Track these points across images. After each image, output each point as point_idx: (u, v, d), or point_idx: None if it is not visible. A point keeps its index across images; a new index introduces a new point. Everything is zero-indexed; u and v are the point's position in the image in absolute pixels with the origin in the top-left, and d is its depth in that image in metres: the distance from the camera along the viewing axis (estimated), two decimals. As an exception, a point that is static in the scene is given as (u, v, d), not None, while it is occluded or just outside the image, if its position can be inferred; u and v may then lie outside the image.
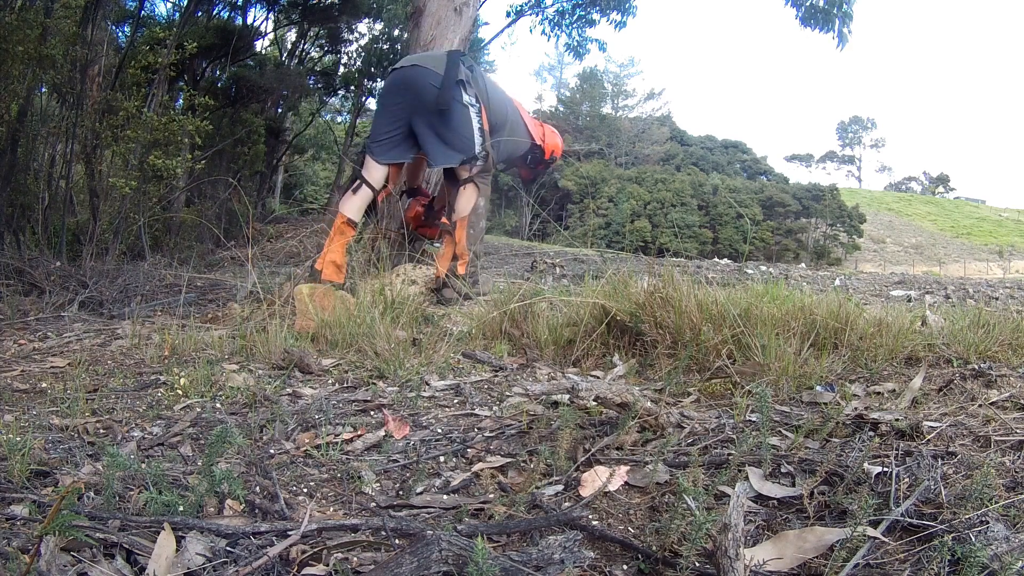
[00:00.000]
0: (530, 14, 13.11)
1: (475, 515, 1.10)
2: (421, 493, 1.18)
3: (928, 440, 1.25)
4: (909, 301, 4.04)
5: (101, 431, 1.46)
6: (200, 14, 10.20)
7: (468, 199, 3.32)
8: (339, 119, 19.51)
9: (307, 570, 0.88)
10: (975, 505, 0.97)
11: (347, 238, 3.07)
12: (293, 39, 14.19)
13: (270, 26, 13.22)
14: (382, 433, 1.46)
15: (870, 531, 0.93)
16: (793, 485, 1.13)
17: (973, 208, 59.83)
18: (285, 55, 13.83)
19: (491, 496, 1.17)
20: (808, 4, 9.55)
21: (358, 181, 3.12)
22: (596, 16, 12.73)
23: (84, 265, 3.74)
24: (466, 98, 3.09)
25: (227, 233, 7.66)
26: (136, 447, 1.37)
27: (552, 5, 13.14)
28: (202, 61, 10.23)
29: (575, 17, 13.03)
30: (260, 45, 13.52)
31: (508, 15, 13.37)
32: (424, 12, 4.92)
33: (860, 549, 0.88)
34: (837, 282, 6.28)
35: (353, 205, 3.09)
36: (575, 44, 13.43)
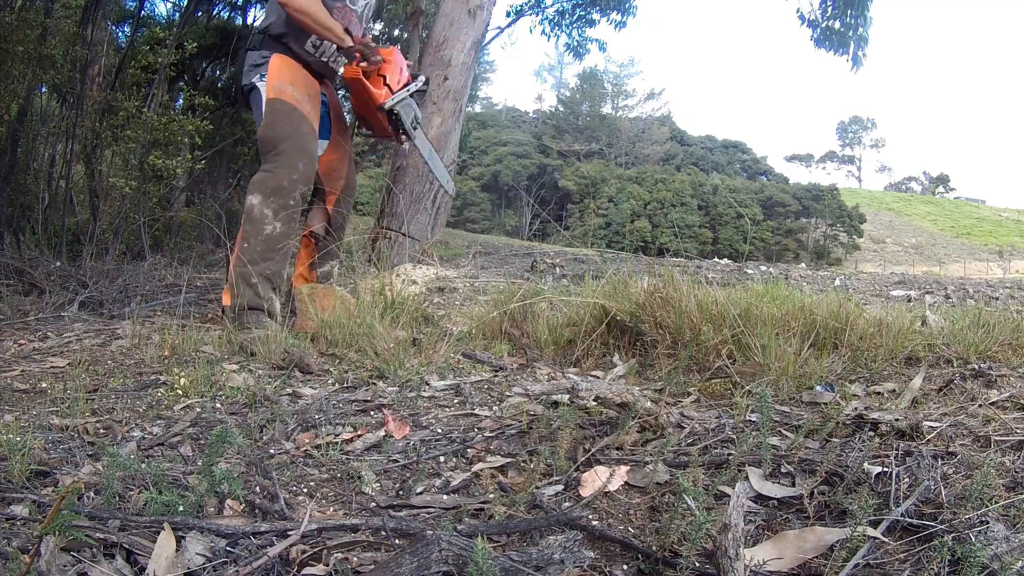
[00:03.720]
0: (530, 14, 13.10)
1: (475, 515, 1.10)
2: (421, 493, 1.18)
3: (928, 440, 1.25)
4: (909, 301, 4.04)
5: (101, 431, 1.46)
6: (200, 14, 10.19)
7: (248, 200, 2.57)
8: (339, 119, 19.46)
9: (307, 570, 0.88)
10: (975, 505, 0.97)
11: (309, 250, 2.97)
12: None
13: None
14: (382, 433, 1.46)
15: (870, 531, 0.93)
16: (793, 485, 1.13)
17: (973, 208, 59.82)
18: (285, 55, 13.80)
19: (491, 496, 1.17)
20: (824, 26, 9.49)
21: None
22: (596, 16, 12.73)
23: (84, 265, 3.74)
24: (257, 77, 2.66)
25: (227, 233, 7.64)
26: (136, 447, 1.37)
27: (552, 5, 13.13)
28: (202, 61, 10.22)
29: (575, 17, 13.02)
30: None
31: (508, 15, 13.37)
32: (438, 13, 4.91)
33: (860, 549, 0.88)
34: (837, 282, 6.28)
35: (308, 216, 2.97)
36: (575, 44, 13.43)
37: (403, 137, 2.92)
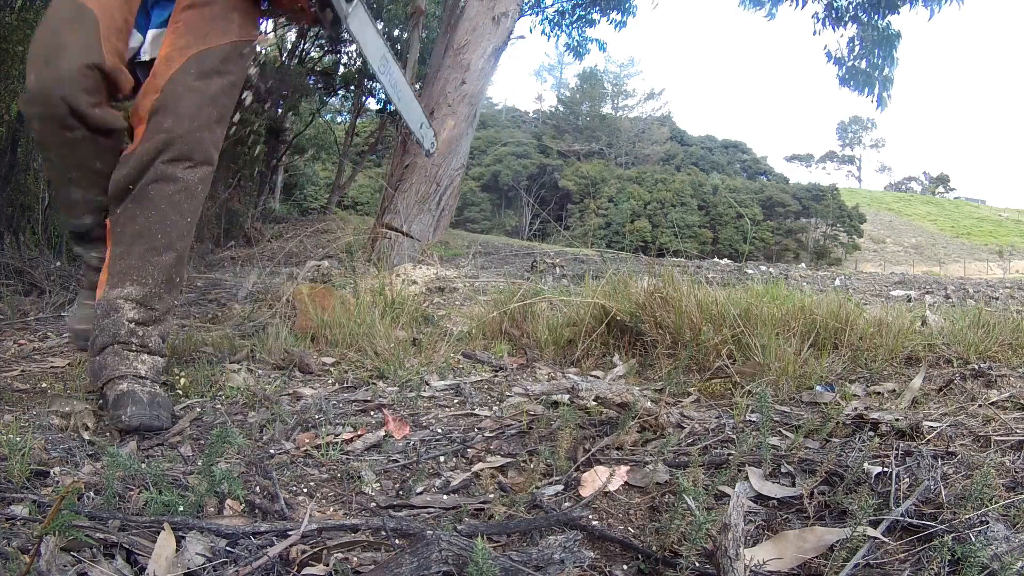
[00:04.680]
0: (530, 14, 13.09)
1: (475, 515, 1.10)
2: (421, 493, 1.18)
3: (928, 440, 1.25)
4: (909, 301, 4.04)
5: (101, 431, 1.46)
6: (200, 14, 10.18)
7: None
8: (339, 119, 19.48)
9: (307, 570, 0.88)
10: (975, 505, 0.97)
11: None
12: (293, 39, 14.19)
13: (270, 26, 13.21)
14: (382, 433, 1.46)
15: (870, 531, 0.93)
16: (793, 485, 1.13)
17: (973, 208, 59.81)
18: (285, 55, 13.82)
19: (491, 496, 1.17)
20: (850, 65, 9.41)
21: None
22: (596, 16, 12.73)
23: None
24: None
25: (227, 233, 7.66)
26: (136, 447, 1.37)
27: (552, 5, 13.13)
28: (202, 61, 10.20)
29: (575, 17, 13.02)
30: (260, 45, 13.49)
31: (508, 15, 13.35)
32: (462, 16, 4.93)
33: (860, 549, 0.88)
34: (837, 282, 6.28)
35: None
36: (575, 44, 13.43)
37: (328, 15, 1.72)
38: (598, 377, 1.89)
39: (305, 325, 2.44)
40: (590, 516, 1.06)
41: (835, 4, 9.16)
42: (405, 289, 2.92)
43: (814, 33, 9.53)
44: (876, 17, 8.82)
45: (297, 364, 1.98)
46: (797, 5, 9.35)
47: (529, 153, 44.98)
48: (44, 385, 1.81)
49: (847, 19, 9.15)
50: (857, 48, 9.28)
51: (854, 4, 9.00)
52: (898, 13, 8.60)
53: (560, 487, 1.19)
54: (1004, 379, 1.59)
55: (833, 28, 9.40)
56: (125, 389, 1.47)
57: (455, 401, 1.73)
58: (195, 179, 1.56)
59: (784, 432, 1.39)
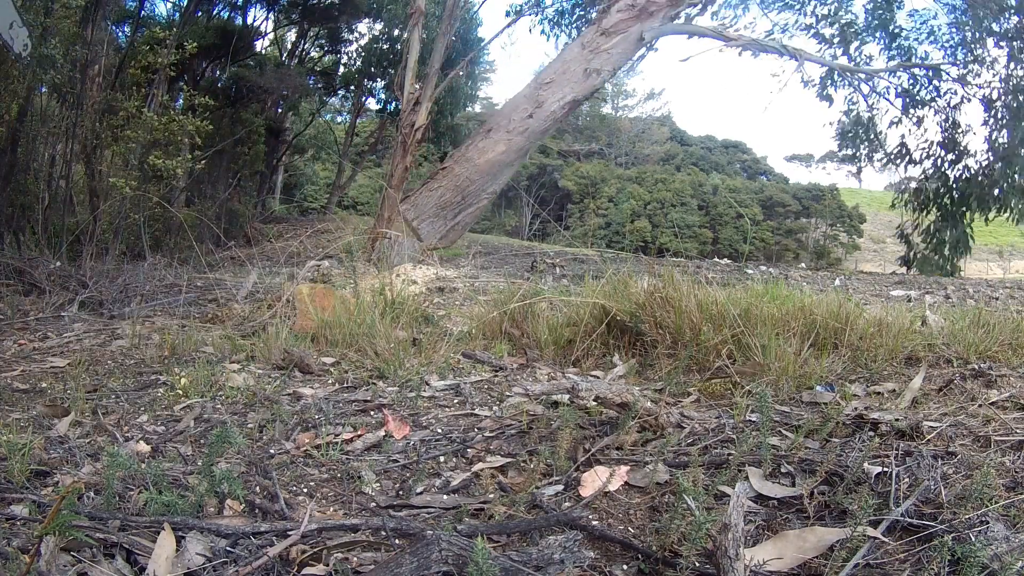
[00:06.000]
0: (530, 14, 13.07)
1: (475, 515, 1.10)
2: (421, 493, 1.18)
3: (928, 440, 1.25)
4: (909, 301, 4.04)
5: (101, 431, 1.46)
6: (200, 14, 10.20)
7: None
8: (339, 119, 19.49)
9: (307, 570, 0.89)
10: (975, 505, 0.97)
11: None
12: (293, 39, 14.18)
13: (270, 26, 13.20)
14: (382, 433, 1.46)
15: (870, 531, 0.93)
16: (793, 485, 1.13)
17: (973, 208, 59.68)
18: (285, 55, 13.82)
19: (491, 496, 1.17)
20: (921, 254, 8.94)
21: None
22: (595, 16, 12.72)
23: (84, 265, 3.73)
24: None
25: (227, 233, 7.66)
26: (136, 447, 1.37)
27: (552, 5, 13.11)
28: (202, 61, 10.22)
29: (575, 17, 13.01)
30: (260, 45, 13.47)
31: (508, 15, 13.35)
32: (560, 53, 4.97)
33: (860, 549, 0.88)
34: (837, 282, 6.28)
35: None
36: (575, 44, 13.42)
37: None
38: (598, 377, 1.89)
39: (305, 325, 2.44)
40: (590, 516, 1.06)
41: (925, 188, 8.64)
42: (405, 289, 2.92)
43: (892, 205, 9.20)
44: (964, 209, 8.27)
45: (297, 364, 1.98)
46: (898, 168, 8.94)
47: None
48: (44, 385, 1.81)
49: (932, 205, 8.66)
50: (933, 239, 8.73)
51: (944, 193, 8.45)
52: (987, 218, 8.11)
53: (560, 487, 1.19)
54: (1004, 379, 1.59)
55: (914, 210, 8.95)
56: None
57: (455, 401, 1.73)
58: None
59: (784, 432, 1.39)
